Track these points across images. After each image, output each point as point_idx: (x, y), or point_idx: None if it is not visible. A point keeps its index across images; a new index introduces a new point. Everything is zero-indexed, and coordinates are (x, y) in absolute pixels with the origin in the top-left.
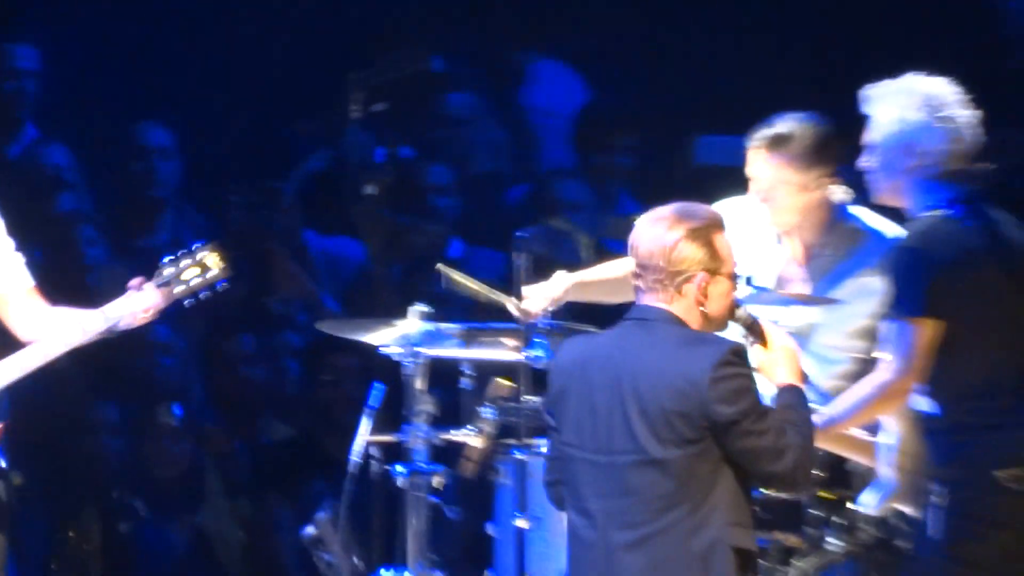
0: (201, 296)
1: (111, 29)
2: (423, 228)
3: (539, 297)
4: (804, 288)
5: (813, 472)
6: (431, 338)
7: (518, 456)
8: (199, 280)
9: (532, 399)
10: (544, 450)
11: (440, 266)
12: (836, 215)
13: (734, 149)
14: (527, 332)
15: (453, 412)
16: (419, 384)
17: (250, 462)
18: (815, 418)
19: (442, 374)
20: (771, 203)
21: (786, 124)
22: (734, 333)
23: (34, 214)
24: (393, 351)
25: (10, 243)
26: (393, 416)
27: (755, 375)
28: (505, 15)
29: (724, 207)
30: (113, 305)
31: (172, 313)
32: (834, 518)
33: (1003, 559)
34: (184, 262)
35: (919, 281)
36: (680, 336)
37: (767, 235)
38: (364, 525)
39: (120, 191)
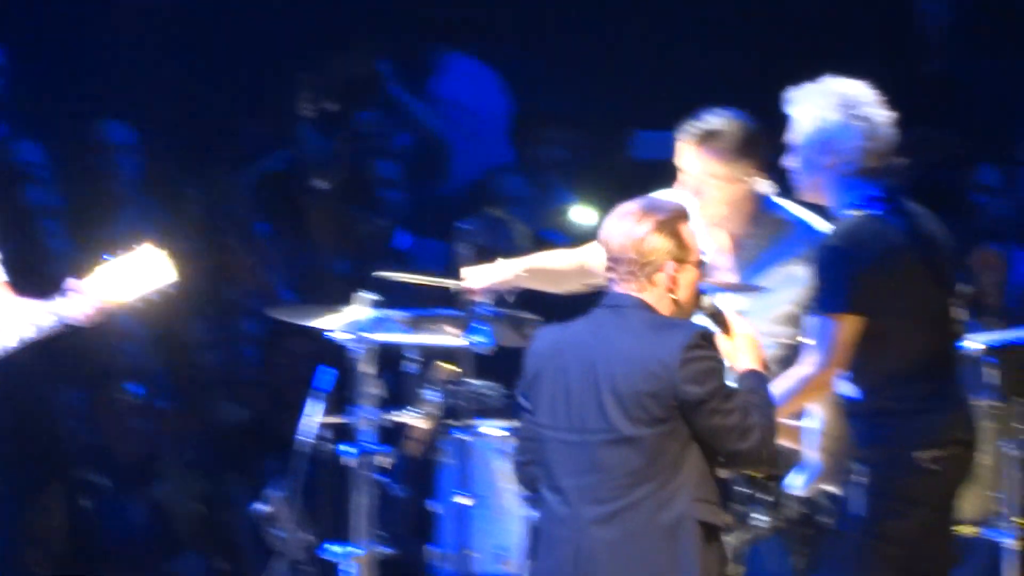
0: (149, 297)
1: (71, 29)
2: (370, 220)
3: (481, 276)
4: (732, 277)
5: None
6: (378, 324)
7: (460, 436)
8: (147, 282)
9: (474, 382)
10: (499, 432)
11: (377, 275)
12: (762, 206)
13: (669, 144)
14: (469, 318)
15: (398, 395)
16: (366, 368)
17: (206, 442)
18: None
19: (388, 358)
20: (700, 196)
21: (715, 119)
22: (700, 321)
23: (1, 208)
24: (341, 336)
25: None
26: (342, 398)
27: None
28: (442, 12)
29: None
30: (62, 303)
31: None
32: (760, 495)
33: (920, 535)
34: (128, 262)
35: (842, 278)
36: (651, 321)
37: (696, 226)
38: (314, 502)
39: (82, 186)
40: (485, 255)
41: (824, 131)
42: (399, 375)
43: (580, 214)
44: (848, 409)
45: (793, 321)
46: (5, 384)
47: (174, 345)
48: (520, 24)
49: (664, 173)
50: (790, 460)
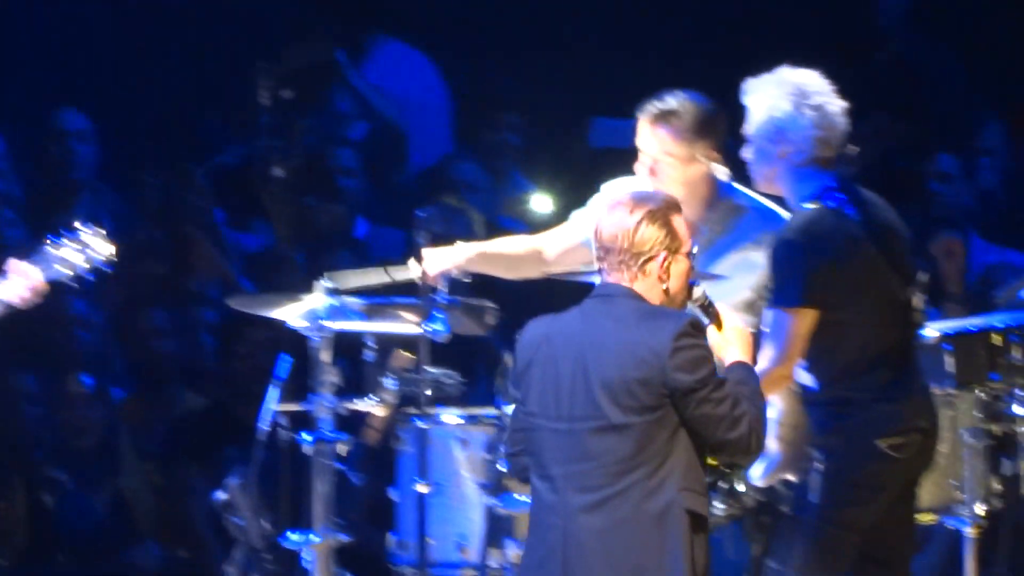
0: (84, 276)
1: (28, 18)
2: (328, 209)
3: (438, 260)
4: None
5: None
6: (336, 312)
7: (419, 424)
8: (82, 261)
9: (432, 370)
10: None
11: (328, 275)
12: (719, 192)
13: (627, 132)
14: (427, 306)
15: (357, 383)
16: (324, 356)
17: (165, 431)
18: None
19: (346, 347)
20: (656, 176)
21: (673, 99)
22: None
23: None
24: (300, 325)
25: None
26: (300, 386)
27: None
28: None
29: (612, 186)
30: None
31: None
32: (719, 483)
33: (880, 522)
34: (68, 243)
35: (798, 273)
36: (642, 310)
37: None
38: (272, 490)
39: (39, 174)
40: (442, 243)
41: (776, 121)
42: (357, 363)
43: (538, 202)
44: (807, 398)
45: (751, 308)
46: None
47: (130, 333)
48: (478, 11)
49: (622, 161)
50: None
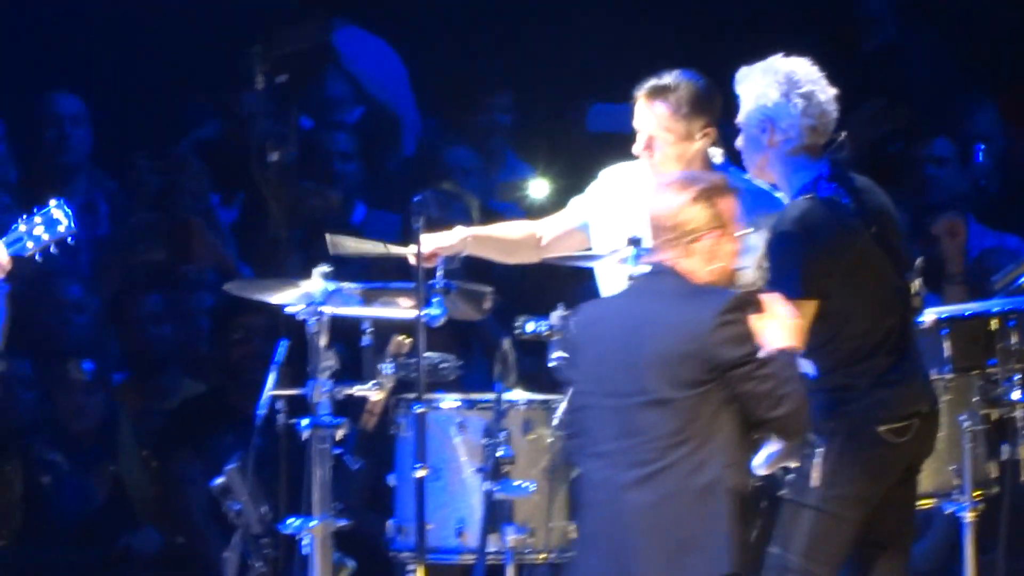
0: (51, 250)
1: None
2: (325, 193)
3: (434, 243)
4: None
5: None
6: (333, 297)
7: (417, 410)
8: (45, 235)
9: (430, 354)
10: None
11: (329, 236)
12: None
13: (625, 117)
14: (424, 291)
15: (354, 368)
16: (322, 341)
17: (163, 416)
18: None
19: (343, 331)
20: (652, 152)
21: (669, 76)
22: None
23: None
24: (297, 310)
25: None
26: (297, 372)
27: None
28: None
29: (609, 172)
30: None
31: (86, 273)
32: None
33: (880, 507)
34: (35, 220)
35: (795, 264)
36: (688, 288)
37: (648, 198)
38: (271, 476)
39: (33, 158)
40: (438, 228)
41: (765, 110)
42: (354, 348)
43: (535, 187)
44: (808, 386)
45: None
46: None
47: (126, 318)
48: None
49: (620, 146)
50: None
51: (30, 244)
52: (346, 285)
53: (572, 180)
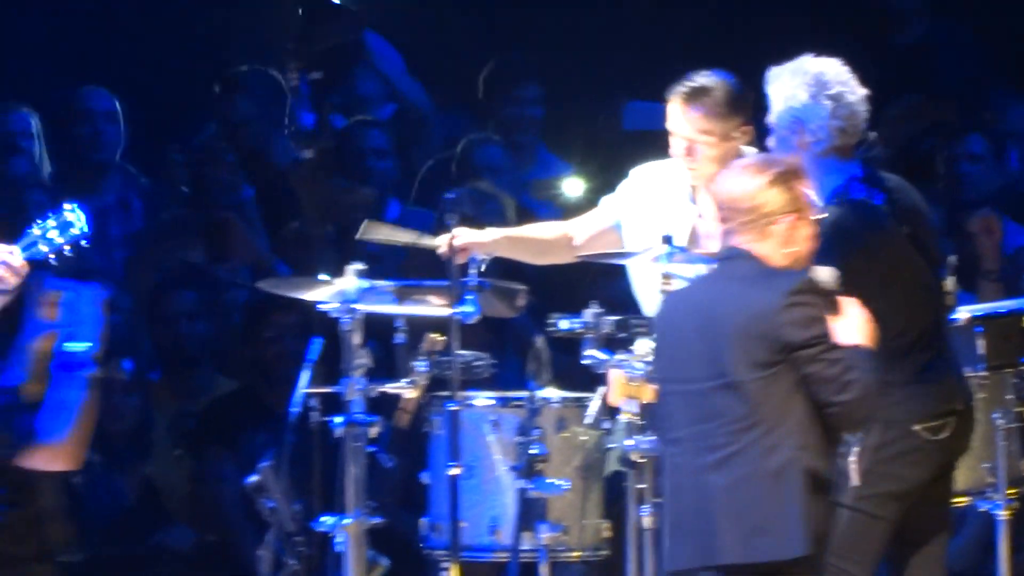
0: (62, 252)
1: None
2: (357, 190)
3: (466, 238)
4: (718, 246)
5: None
6: (367, 295)
7: (451, 407)
8: (61, 238)
9: (464, 353)
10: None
11: (365, 224)
12: None
13: (660, 115)
14: (458, 289)
15: (388, 365)
16: (356, 339)
17: (196, 414)
18: None
19: (377, 329)
20: (693, 156)
21: (702, 78)
22: None
23: None
24: (331, 307)
25: None
26: (331, 369)
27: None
28: None
29: (641, 170)
30: None
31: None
32: None
33: (915, 506)
34: (48, 223)
35: (834, 265)
36: (760, 270)
37: (680, 195)
38: (304, 473)
39: (67, 155)
40: (472, 226)
41: (795, 110)
42: (388, 346)
43: (571, 186)
44: None
45: None
46: None
47: (159, 316)
48: None
49: (655, 144)
50: None
51: (44, 247)
52: (380, 283)
53: (607, 178)
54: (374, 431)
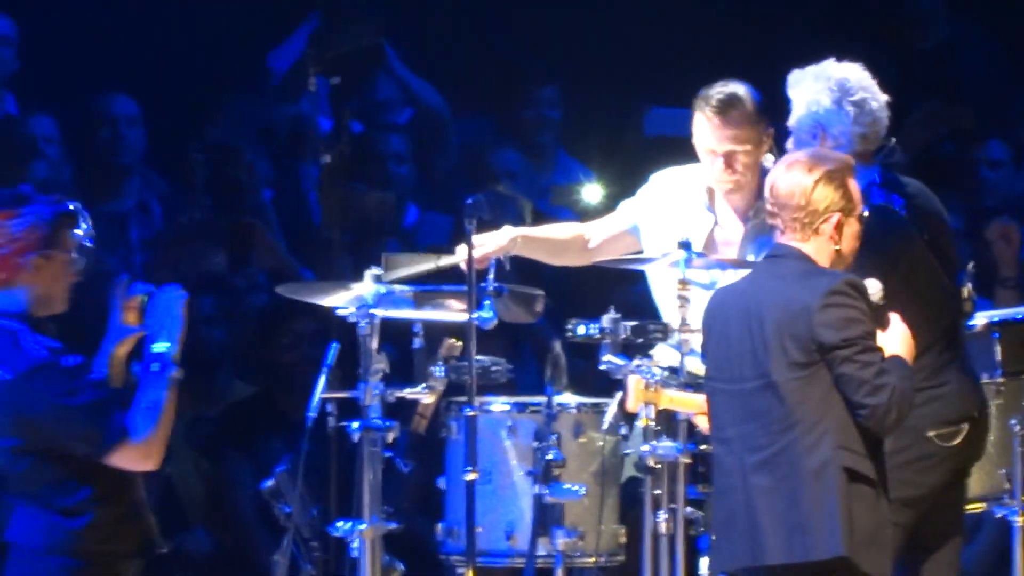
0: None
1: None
2: (376, 195)
3: (484, 245)
4: (735, 252)
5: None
6: (384, 300)
7: (468, 413)
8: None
9: (481, 358)
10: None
11: (384, 257)
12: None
13: (682, 121)
14: (475, 294)
15: (405, 370)
16: (373, 344)
17: (213, 419)
18: None
19: (394, 334)
20: (733, 167)
21: (726, 88)
22: None
23: (8, 182)
24: (348, 312)
25: None
26: (348, 374)
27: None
28: None
29: (660, 175)
30: None
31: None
32: None
33: (929, 510)
34: None
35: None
36: (806, 269)
37: (697, 202)
38: (321, 479)
39: (87, 159)
40: (489, 230)
41: (816, 115)
42: (405, 351)
43: (590, 192)
44: None
45: None
46: None
47: None
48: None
49: (677, 150)
50: None
51: None
52: (397, 288)
53: (627, 184)
54: (391, 436)
